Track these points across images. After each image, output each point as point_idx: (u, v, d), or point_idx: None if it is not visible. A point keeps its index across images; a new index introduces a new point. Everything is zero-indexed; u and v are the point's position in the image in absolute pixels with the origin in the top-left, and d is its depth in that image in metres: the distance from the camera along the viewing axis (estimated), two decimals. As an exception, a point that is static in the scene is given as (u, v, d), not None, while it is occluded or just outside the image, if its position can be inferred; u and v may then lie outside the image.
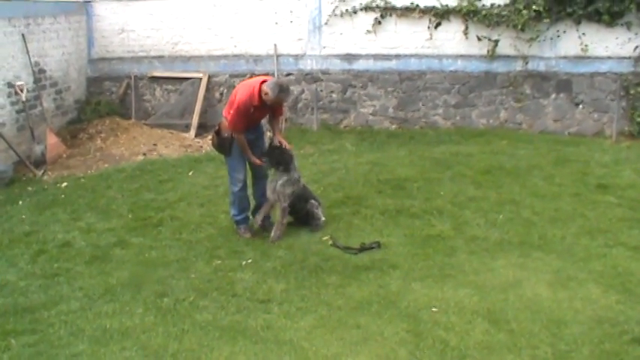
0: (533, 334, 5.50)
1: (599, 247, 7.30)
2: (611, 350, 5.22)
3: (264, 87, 7.38)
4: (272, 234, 7.86)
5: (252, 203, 8.32)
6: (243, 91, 7.53)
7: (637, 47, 12.26)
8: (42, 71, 12.47)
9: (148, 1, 13.92)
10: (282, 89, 7.48)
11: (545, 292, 6.26)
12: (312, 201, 8.14)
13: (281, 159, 7.81)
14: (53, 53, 12.88)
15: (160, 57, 14.13)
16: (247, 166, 8.02)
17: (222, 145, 7.87)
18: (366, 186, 9.48)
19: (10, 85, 11.45)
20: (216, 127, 7.96)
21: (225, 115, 7.76)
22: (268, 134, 8.64)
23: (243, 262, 7.22)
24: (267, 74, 13.34)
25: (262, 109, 7.66)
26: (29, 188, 10.29)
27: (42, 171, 11.17)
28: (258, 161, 7.81)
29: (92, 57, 14.28)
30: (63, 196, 9.81)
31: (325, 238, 7.79)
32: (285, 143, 7.92)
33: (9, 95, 11.44)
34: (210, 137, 8.31)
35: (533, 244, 7.45)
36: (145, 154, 11.99)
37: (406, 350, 5.32)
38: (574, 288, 6.32)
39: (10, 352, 5.55)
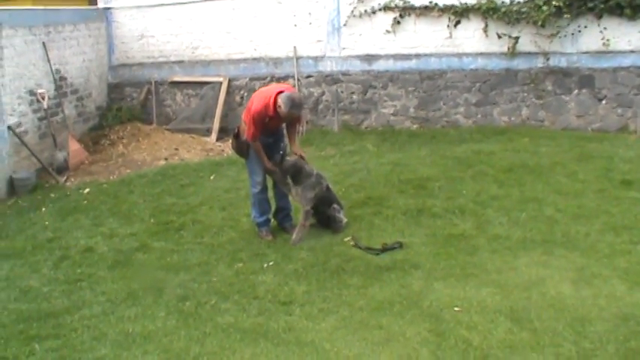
0: (557, 332, 5.43)
1: (624, 244, 7.19)
2: (637, 348, 5.14)
3: (279, 99, 7.35)
4: (293, 236, 7.85)
5: (274, 205, 8.32)
6: (258, 100, 7.52)
7: (660, 41, 12.13)
8: (63, 78, 12.59)
9: (166, 6, 14.01)
10: (294, 104, 7.40)
11: (568, 289, 6.18)
12: (335, 205, 8.12)
13: (290, 172, 7.83)
14: (74, 60, 13.00)
15: (180, 62, 14.21)
16: None
17: (241, 148, 7.93)
18: (388, 186, 9.44)
19: (31, 92, 11.57)
20: (235, 131, 7.99)
21: (244, 119, 7.77)
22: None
23: (265, 265, 7.22)
24: (286, 79, 13.50)
25: (278, 119, 7.61)
26: (52, 195, 10.40)
27: (64, 177, 11.27)
28: (272, 168, 7.83)
29: (112, 63, 14.40)
30: (85, 202, 9.89)
31: (347, 239, 7.77)
32: (300, 152, 7.95)
33: (31, 103, 11.57)
34: (230, 140, 8.33)
35: (556, 242, 7.36)
36: (166, 159, 12.05)
37: (428, 350, 5.29)
38: (598, 285, 6.24)
39: (34, 356, 5.62)
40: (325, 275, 6.86)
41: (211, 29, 13.93)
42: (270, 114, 7.45)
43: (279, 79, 13.70)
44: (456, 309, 5.93)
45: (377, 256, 7.25)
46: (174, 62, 14.22)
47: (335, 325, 5.82)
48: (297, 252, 7.52)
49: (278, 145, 7.98)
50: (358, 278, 6.73)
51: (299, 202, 7.95)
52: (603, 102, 12.58)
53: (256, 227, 8.17)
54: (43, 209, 9.66)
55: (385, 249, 7.37)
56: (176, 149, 12.58)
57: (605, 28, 12.20)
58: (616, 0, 11.95)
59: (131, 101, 14.32)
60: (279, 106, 7.34)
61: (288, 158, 7.89)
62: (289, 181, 7.90)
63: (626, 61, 12.37)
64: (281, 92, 7.43)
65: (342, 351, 5.37)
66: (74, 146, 11.99)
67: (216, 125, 13.61)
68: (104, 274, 7.26)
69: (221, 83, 13.89)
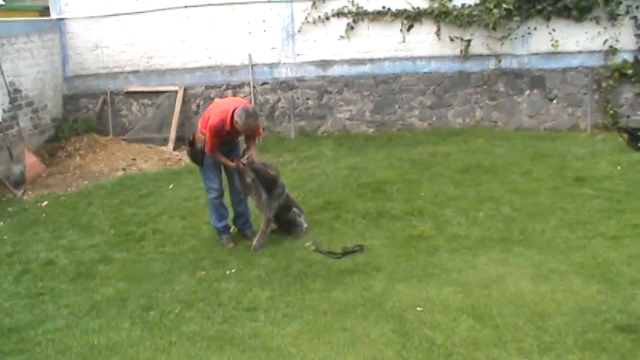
0: (518, 327, 5.55)
1: (579, 239, 7.38)
2: (594, 339, 5.28)
3: (235, 115, 7.44)
4: (254, 242, 7.88)
5: (232, 212, 8.34)
6: (215, 114, 7.61)
7: (606, 41, 12.42)
8: (17, 91, 12.45)
9: (120, 16, 13.92)
10: (249, 114, 7.46)
11: (527, 286, 6.32)
12: (295, 209, 8.17)
13: (267, 182, 7.84)
14: (28, 72, 12.87)
15: (135, 72, 14.14)
16: (222, 175, 8.11)
17: (196, 155, 8.01)
18: (346, 190, 9.53)
19: (-15, 106, 11.43)
20: (190, 138, 8.08)
21: (201, 128, 7.85)
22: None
23: (228, 272, 7.23)
24: (242, 87, 13.52)
25: (235, 132, 7.71)
26: (9, 209, 10.27)
27: (22, 191, 11.14)
28: (233, 164, 7.84)
29: (67, 74, 14.27)
30: (44, 215, 9.79)
31: (308, 244, 7.82)
32: (260, 160, 7.97)
33: (-15, 117, 11.42)
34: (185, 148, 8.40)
35: (514, 240, 7.52)
36: (124, 170, 11.99)
37: (393, 350, 5.36)
38: (556, 280, 6.39)
39: (-3, 373, 5.56)
40: (288, 280, 6.90)
41: (166, 38, 13.89)
42: (227, 129, 7.55)
43: (234, 87, 13.74)
44: (418, 309, 6.01)
45: (338, 259, 7.30)
46: (129, 72, 14.14)
47: (300, 329, 5.86)
48: (258, 258, 7.55)
49: (234, 152, 8.02)
50: (321, 282, 6.78)
51: (260, 209, 7.98)
52: (554, 102, 12.87)
53: (217, 235, 8.21)
54: (1, 223, 9.54)
55: (346, 252, 7.43)
56: (133, 159, 12.53)
57: (553, 30, 12.50)
58: (563, 2, 12.26)
59: (87, 112, 14.19)
60: (236, 122, 7.44)
61: (259, 165, 7.83)
62: (260, 188, 7.88)
63: (575, 62, 12.69)
64: (236, 108, 7.49)
65: (308, 355, 5.40)
66: (30, 159, 11.86)
67: (172, 134, 13.57)
68: (66, 287, 7.20)
69: (177, 92, 13.85)
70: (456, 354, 5.24)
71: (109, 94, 14.14)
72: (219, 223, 8.15)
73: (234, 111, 7.47)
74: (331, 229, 8.26)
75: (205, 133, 7.69)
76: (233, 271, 7.25)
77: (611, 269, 6.55)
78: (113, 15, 13.93)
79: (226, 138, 7.76)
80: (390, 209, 8.67)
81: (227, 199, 8.26)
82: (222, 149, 7.85)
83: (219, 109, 7.68)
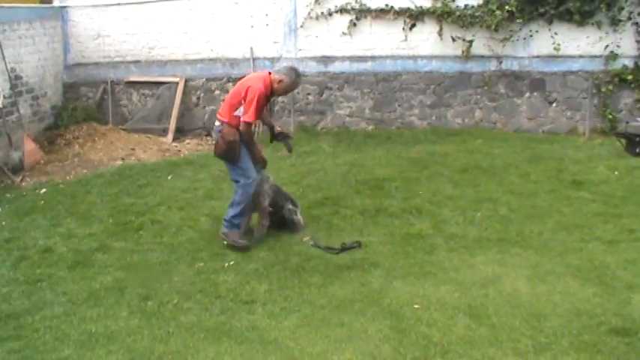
0: (514, 327, 5.60)
1: (576, 242, 7.44)
2: (589, 341, 5.33)
3: (277, 75, 7.56)
4: (255, 234, 7.91)
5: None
6: (256, 83, 7.50)
7: (607, 46, 12.46)
8: (18, 77, 12.43)
9: (123, 6, 13.91)
10: (298, 73, 7.73)
11: (524, 286, 6.36)
12: (290, 207, 8.16)
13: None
14: (29, 59, 12.85)
15: (137, 62, 14.13)
16: None
17: (233, 149, 7.63)
18: (345, 186, 9.56)
19: (-15, 91, 11.43)
20: (220, 134, 7.68)
21: (228, 119, 7.60)
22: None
23: (226, 264, 7.25)
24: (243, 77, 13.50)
25: (267, 101, 7.86)
26: (7, 195, 10.26)
27: (20, 177, 11.14)
28: (261, 156, 7.92)
29: (68, 63, 14.26)
30: (42, 202, 9.79)
31: (306, 238, 7.85)
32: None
33: (-15, 102, 11.41)
34: (214, 145, 7.91)
35: (511, 241, 7.57)
36: (123, 159, 12.00)
37: (390, 346, 5.40)
38: (552, 282, 6.44)
39: (-5, 358, 5.56)
40: (286, 274, 6.92)
41: (168, 29, 13.88)
42: (268, 94, 7.62)
43: (235, 80, 13.64)
44: (415, 306, 6.05)
45: (336, 255, 7.32)
46: (130, 62, 14.13)
47: (297, 323, 5.89)
48: (257, 251, 7.57)
49: None
50: (319, 277, 6.82)
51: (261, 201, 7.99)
52: (553, 105, 12.91)
53: (228, 228, 7.83)
54: (-1, 209, 9.57)
55: (344, 248, 7.44)
56: (132, 149, 12.53)
57: (555, 33, 12.53)
58: (566, 6, 12.30)
59: (87, 101, 14.18)
60: (281, 80, 7.53)
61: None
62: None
63: (576, 66, 12.74)
64: (270, 72, 7.67)
65: (306, 349, 5.44)
66: (30, 146, 11.86)
67: (172, 125, 13.58)
68: (64, 274, 7.20)
69: (177, 83, 13.85)
70: (452, 352, 5.28)
71: (109, 83, 14.13)
72: (239, 219, 7.83)
73: (270, 75, 7.60)
74: (329, 225, 8.29)
75: (247, 105, 7.42)
76: (231, 263, 7.27)
77: (607, 273, 6.60)
78: (115, 4, 13.92)
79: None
80: (388, 206, 8.70)
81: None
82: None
83: (256, 79, 7.64)
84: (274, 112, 13.66)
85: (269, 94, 7.66)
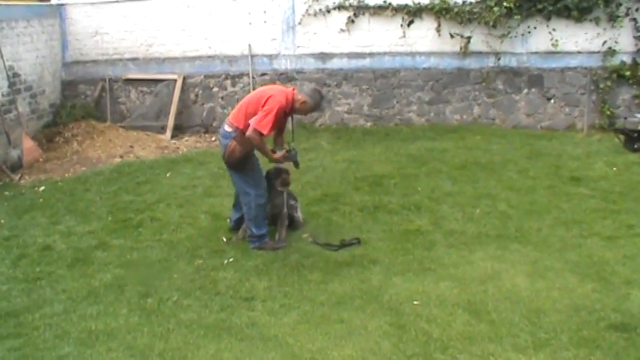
0: (514, 323, 5.61)
1: (575, 238, 7.46)
2: (588, 337, 5.35)
3: (301, 96, 7.23)
4: (281, 237, 7.74)
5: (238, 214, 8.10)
6: (279, 95, 7.20)
7: (605, 42, 12.48)
8: (16, 75, 12.41)
9: (121, 3, 13.89)
10: (322, 95, 7.47)
11: (523, 282, 6.38)
12: (292, 202, 8.17)
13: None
14: (27, 57, 12.83)
15: (135, 59, 14.11)
16: None
17: (249, 157, 7.40)
18: (344, 183, 9.57)
19: (-16, 90, 11.42)
20: (234, 140, 7.29)
21: (243, 127, 7.22)
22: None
23: (225, 261, 7.26)
24: (241, 77, 13.57)
25: (285, 119, 7.49)
26: (6, 193, 10.26)
27: (19, 175, 11.13)
28: (280, 155, 7.55)
29: (66, 60, 14.23)
30: (41, 199, 9.79)
31: (305, 235, 7.87)
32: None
33: (-17, 100, 11.41)
34: (229, 152, 7.30)
35: (510, 237, 7.59)
36: (121, 157, 11.98)
37: (390, 343, 5.41)
38: (551, 278, 6.46)
39: (-5, 356, 5.57)
40: (285, 271, 6.93)
41: (166, 26, 13.86)
42: (287, 110, 7.29)
43: (233, 77, 13.75)
44: (415, 303, 6.07)
45: (335, 251, 7.36)
46: (128, 59, 14.12)
47: (297, 319, 5.90)
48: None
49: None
50: (318, 274, 6.83)
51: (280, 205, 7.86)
52: (552, 101, 12.93)
53: (257, 243, 7.60)
54: (-2, 207, 9.56)
55: (343, 245, 7.48)
56: (131, 147, 12.52)
57: (553, 30, 12.54)
58: (564, 2, 12.31)
59: (85, 98, 14.16)
60: (304, 102, 7.21)
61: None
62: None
63: (574, 62, 12.76)
64: (294, 90, 7.33)
65: (306, 345, 5.45)
66: (28, 144, 11.85)
67: (170, 123, 13.57)
68: (64, 272, 7.21)
69: (176, 81, 13.83)
70: (452, 348, 5.29)
71: (107, 80, 14.11)
72: (263, 229, 7.63)
73: (293, 91, 7.29)
74: (328, 222, 8.30)
75: (264, 114, 7.06)
76: (231, 260, 7.28)
77: (605, 268, 6.63)
78: (113, 2, 13.89)
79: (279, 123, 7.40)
80: (387, 203, 8.72)
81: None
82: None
83: (279, 92, 7.30)
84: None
85: (288, 112, 7.31)
